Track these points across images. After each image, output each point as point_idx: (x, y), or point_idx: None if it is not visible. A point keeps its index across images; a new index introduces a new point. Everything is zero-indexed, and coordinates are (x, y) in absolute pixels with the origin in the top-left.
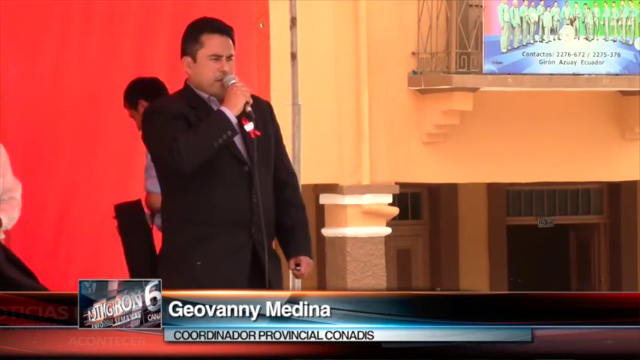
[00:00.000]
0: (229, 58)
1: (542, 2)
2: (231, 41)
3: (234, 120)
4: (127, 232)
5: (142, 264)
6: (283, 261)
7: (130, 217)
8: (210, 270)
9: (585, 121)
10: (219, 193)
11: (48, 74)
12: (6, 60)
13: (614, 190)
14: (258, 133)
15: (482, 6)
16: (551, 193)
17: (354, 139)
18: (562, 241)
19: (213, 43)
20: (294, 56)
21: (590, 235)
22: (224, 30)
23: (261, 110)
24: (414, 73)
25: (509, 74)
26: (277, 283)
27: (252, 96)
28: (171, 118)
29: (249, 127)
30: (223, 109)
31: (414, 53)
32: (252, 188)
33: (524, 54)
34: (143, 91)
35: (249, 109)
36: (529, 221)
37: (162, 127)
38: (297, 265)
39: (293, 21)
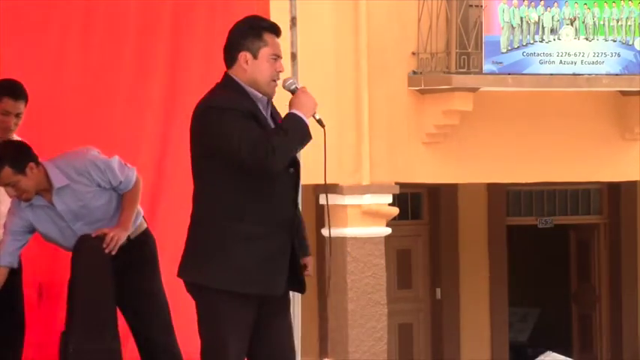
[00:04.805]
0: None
1: (542, 2)
2: None
3: None
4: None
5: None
6: None
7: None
8: (255, 269)
9: (585, 121)
10: (274, 193)
11: (48, 75)
12: (6, 61)
13: (614, 190)
14: None
15: (482, 6)
16: (551, 193)
17: (354, 139)
18: (562, 241)
19: (275, 43)
20: (294, 56)
21: (590, 235)
22: (280, 33)
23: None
24: (414, 73)
25: (509, 74)
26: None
27: None
28: (242, 115)
29: None
30: (300, 114)
31: (414, 53)
32: (297, 190)
33: (524, 54)
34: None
35: (318, 116)
36: (529, 221)
37: (236, 123)
38: (306, 265)
39: (293, 21)
